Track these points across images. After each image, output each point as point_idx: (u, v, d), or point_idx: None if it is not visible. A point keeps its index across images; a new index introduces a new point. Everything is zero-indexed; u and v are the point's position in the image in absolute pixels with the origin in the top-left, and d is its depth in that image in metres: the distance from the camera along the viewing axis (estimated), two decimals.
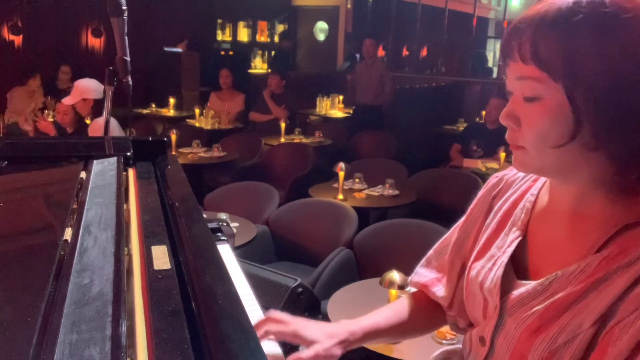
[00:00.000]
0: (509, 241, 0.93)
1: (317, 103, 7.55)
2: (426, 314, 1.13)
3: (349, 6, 10.36)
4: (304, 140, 5.72)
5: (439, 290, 1.08)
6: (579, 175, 0.81)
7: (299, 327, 1.03)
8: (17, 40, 7.40)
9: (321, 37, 10.96)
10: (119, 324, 0.68)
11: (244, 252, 2.82)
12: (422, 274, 1.13)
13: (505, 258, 0.91)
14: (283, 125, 5.79)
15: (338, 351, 1.02)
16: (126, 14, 1.79)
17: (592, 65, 0.73)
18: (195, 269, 0.89)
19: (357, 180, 4.04)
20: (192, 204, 1.22)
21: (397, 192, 3.88)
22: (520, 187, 0.98)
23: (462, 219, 1.07)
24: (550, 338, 0.80)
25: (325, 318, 2.09)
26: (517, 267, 0.91)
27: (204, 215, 1.24)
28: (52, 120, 5.08)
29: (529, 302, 0.84)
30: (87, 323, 0.69)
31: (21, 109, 6.26)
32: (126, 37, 1.85)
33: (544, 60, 0.76)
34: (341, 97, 7.63)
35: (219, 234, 1.63)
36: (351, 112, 7.22)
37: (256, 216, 3.48)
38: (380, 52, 8.32)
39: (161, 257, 0.92)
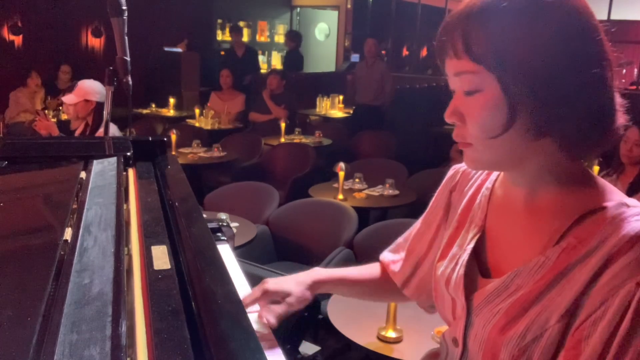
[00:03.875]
0: (469, 239, 0.92)
1: (317, 103, 7.55)
2: (392, 284, 1.16)
3: (349, 6, 10.36)
4: (304, 140, 5.72)
5: (395, 268, 1.13)
6: (531, 165, 0.81)
7: (272, 283, 1.12)
8: (17, 40, 7.40)
9: (321, 37, 10.95)
10: (119, 324, 0.68)
11: (244, 252, 2.82)
12: (387, 255, 1.18)
13: (465, 256, 0.91)
14: (283, 125, 5.78)
15: (308, 294, 1.12)
16: (126, 14, 1.79)
17: (522, 52, 0.73)
18: (195, 269, 0.89)
19: (357, 180, 4.04)
20: (192, 204, 1.22)
21: (397, 192, 3.88)
22: (476, 180, 0.98)
23: (426, 210, 1.09)
24: (518, 335, 0.79)
25: (326, 318, 2.09)
26: (481, 264, 0.90)
27: (204, 215, 1.24)
28: (54, 120, 5.08)
29: (494, 299, 0.84)
30: (87, 323, 0.69)
31: (28, 108, 6.28)
32: (126, 37, 1.85)
33: (476, 52, 0.76)
34: (341, 97, 7.63)
35: (219, 234, 1.63)
36: (351, 112, 7.21)
37: (256, 216, 3.48)
38: (384, 52, 8.32)
39: (161, 257, 0.92)
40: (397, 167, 4.70)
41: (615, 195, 0.80)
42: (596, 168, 4.00)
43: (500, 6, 0.74)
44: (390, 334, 1.96)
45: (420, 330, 2.00)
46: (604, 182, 0.83)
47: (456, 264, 0.92)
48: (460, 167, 1.03)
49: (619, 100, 0.79)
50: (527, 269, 0.81)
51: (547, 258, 0.79)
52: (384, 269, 1.18)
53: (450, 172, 1.05)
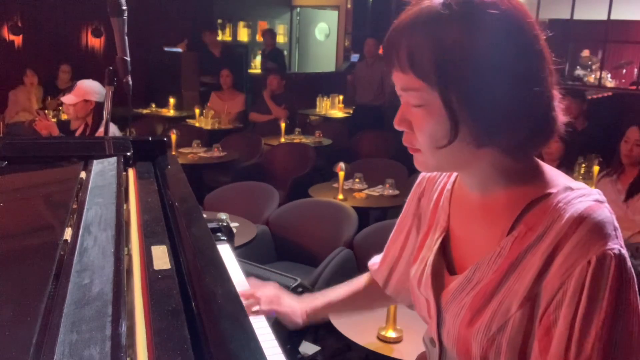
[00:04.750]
0: (435, 240, 0.96)
1: (317, 103, 7.54)
2: (378, 289, 1.21)
3: (349, 6, 10.36)
4: (304, 140, 5.71)
5: (376, 269, 1.19)
6: (479, 167, 0.84)
7: (281, 292, 1.24)
8: (17, 40, 7.40)
9: (321, 37, 10.95)
10: (119, 324, 0.68)
11: (244, 252, 2.82)
12: (373, 259, 1.23)
13: (432, 257, 0.94)
14: (283, 125, 5.78)
15: (299, 321, 1.21)
16: (126, 14, 1.79)
17: (463, 68, 0.75)
18: (195, 269, 0.89)
19: (357, 180, 4.03)
20: (192, 204, 1.22)
21: (397, 192, 3.87)
22: (439, 184, 1.01)
23: (400, 215, 1.14)
24: (484, 327, 0.82)
25: (326, 318, 2.09)
26: (448, 263, 0.94)
27: (204, 215, 1.24)
28: (54, 120, 5.08)
29: (459, 295, 0.87)
30: (87, 323, 0.69)
31: (26, 107, 6.28)
32: (126, 37, 1.85)
33: (420, 69, 0.77)
34: (341, 97, 7.62)
35: (219, 234, 1.63)
36: (351, 112, 7.21)
37: (256, 216, 3.48)
38: (381, 52, 8.31)
39: (161, 257, 0.92)
40: (397, 167, 4.69)
41: (560, 181, 0.83)
42: (596, 168, 4.00)
43: (444, 21, 0.75)
44: (390, 334, 1.96)
45: (420, 330, 1.99)
46: (551, 170, 0.86)
47: (425, 265, 0.96)
48: (426, 173, 1.06)
49: (558, 99, 0.81)
50: (485, 262, 0.84)
51: (502, 248, 0.82)
52: (369, 271, 1.23)
53: (417, 180, 1.08)
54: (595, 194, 0.80)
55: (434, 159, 0.83)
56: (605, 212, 0.77)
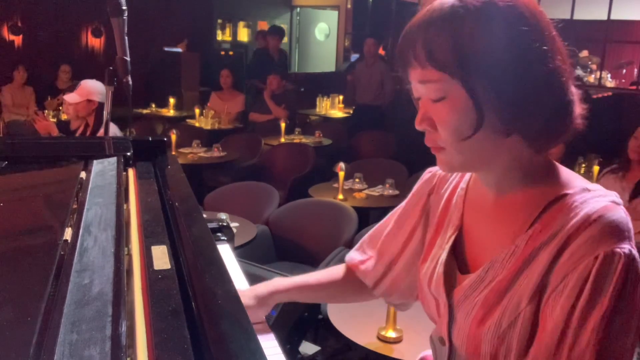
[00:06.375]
0: (447, 238, 0.96)
1: (317, 103, 7.54)
2: (357, 285, 1.17)
3: (349, 6, 10.35)
4: (304, 140, 5.71)
5: (366, 268, 1.14)
6: (500, 164, 0.84)
7: None
8: (17, 40, 7.40)
9: (321, 37, 10.95)
10: (119, 324, 0.68)
11: (244, 252, 2.82)
12: (354, 256, 1.18)
13: (444, 255, 0.94)
14: (283, 125, 5.78)
15: (261, 314, 1.16)
16: (126, 14, 1.79)
17: (483, 55, 0.76)
18: (195, 269, 0.89)
19: (357, 180, 4.03)
20: (192, 204, 1.22)
21: (397, 192, 3.88)
22: (452, 182, 1.01)
23: (399, 210, 1.10)
24: (495, 324, 0.82)
25: (326, 318, 2.09)
26: (460, 261, 0.94)
27: (204, 215, 1.24)
28: (54, 120, 5.08)
29: (471, 293, 0.87)
30: (87, 323, 0.69)
31: (7, 103, 6.28)
32: (126, 37, 1.85)
33: (439, 61, 0.78)
34: (341, 97, 7.62)
35: (219, 234, 1.63)
36: (351, 112, 7.21)
37: (256, 216, 3.48)
38: (380, 52, 8.30)
39: (161, 257, 0.92)
40: (397, 167, 4.69)
41: (577, 182, 0.84)
42: (596, 168, 4.00)
43: (458, 13, 0.77)
44: (390, 334, 1.95)
45: (420, 330, 1.99)
46: (568, 171, 0.87)
47: (436, 263, 0.95)
48: (438, 170, 1.05)
49: (574, 91, 0.82)
50: (499, 260, 0.84)
51: (516, 246, 0.83)
52: (351, 269, 1.18)
53: (426, 175, 1.07)
54: (613, 195, 0.81)
55: (460, 154, 0.83)
56: (621, 213, 0.78)
